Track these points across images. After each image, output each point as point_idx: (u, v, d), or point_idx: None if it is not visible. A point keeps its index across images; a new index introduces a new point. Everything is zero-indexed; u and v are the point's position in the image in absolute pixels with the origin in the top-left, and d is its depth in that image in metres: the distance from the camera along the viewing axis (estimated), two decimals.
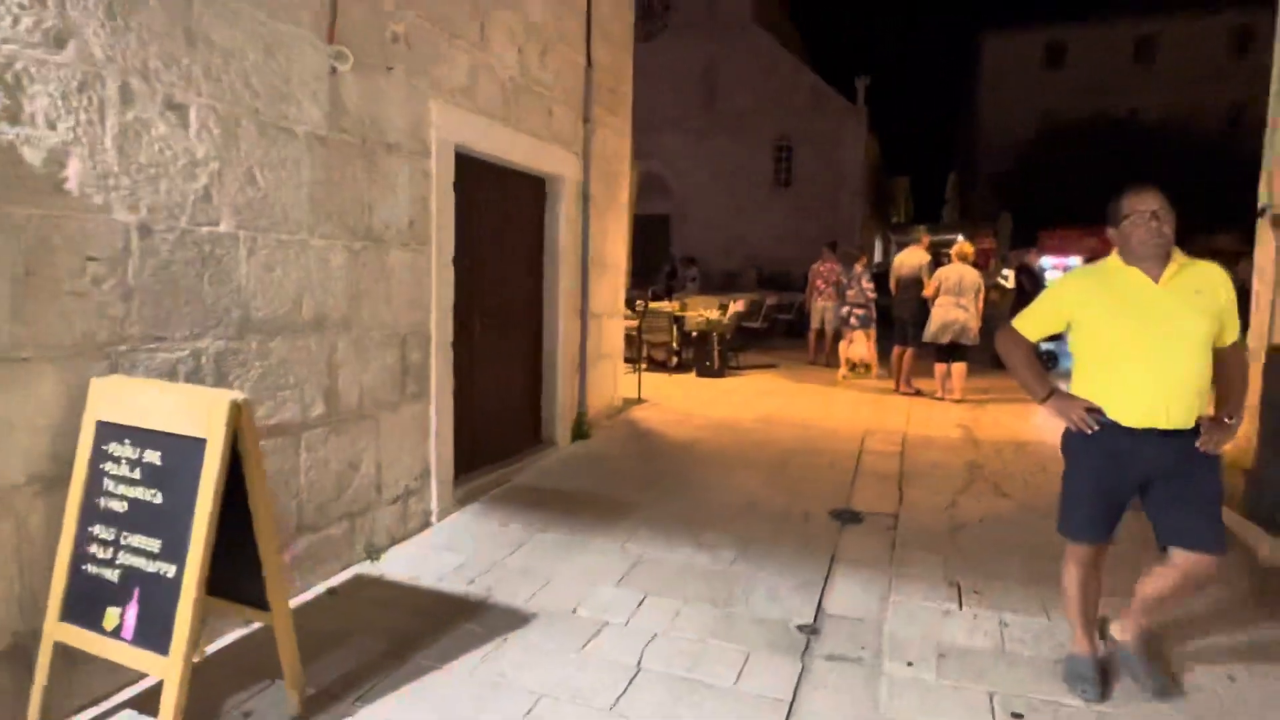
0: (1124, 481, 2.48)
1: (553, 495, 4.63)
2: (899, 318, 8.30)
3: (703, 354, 9.04)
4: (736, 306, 9.60)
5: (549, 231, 5.48)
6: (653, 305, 9.14)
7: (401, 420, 3.85)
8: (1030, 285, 10.76)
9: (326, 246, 3.29)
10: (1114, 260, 2.57)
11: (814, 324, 10.99)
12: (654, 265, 31.25)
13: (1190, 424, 2.39)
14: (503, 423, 5.10)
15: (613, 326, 6.56)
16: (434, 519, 4.13)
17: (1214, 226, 29.51)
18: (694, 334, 9.16)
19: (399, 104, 3.70)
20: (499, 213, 4.94)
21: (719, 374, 9.03)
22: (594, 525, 4.10)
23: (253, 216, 2.92)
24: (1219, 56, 33.05)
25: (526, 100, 4.89)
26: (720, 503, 4.52)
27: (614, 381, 6.66)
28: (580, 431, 5.85)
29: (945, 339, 7.58)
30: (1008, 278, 29.27)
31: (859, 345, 10.96)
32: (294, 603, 2.89)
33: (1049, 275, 24.46)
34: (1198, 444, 2.38)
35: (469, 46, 4.21)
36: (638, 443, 5.90)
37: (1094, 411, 2.48)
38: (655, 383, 8.55)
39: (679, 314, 9.73)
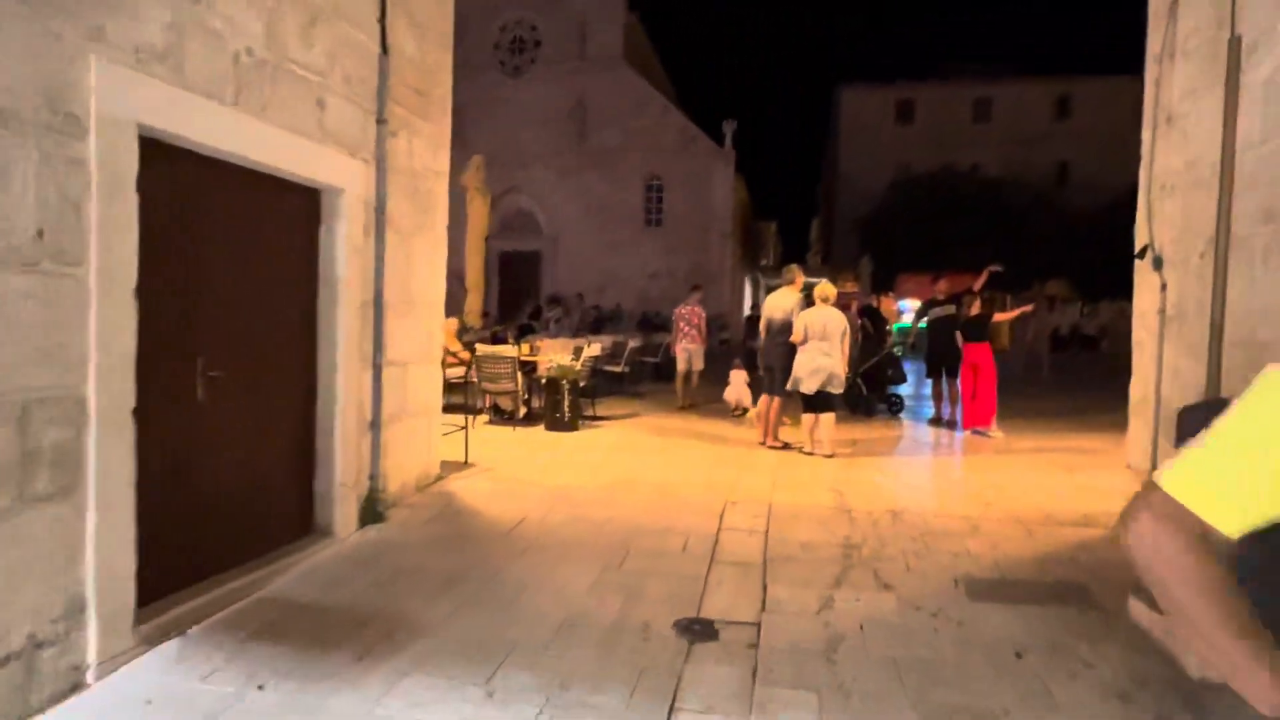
0: None
1: (304, 615, 3.35)
2: (768, 366, 7.60)
3: (553, 404, 7.94)
4: (591, 350, 8.61)
5: (324, 258, 4.25)
6: (492, 349, 7.97)
7: (21, 534, 2.49)
8: (874, 328, 10.36)
9: None
10: None
11: (680, 367, 10.36)
12: (523, 304, 30.02)
13: None
14: (248, 512, 3.76)
15: (424, 377, 5.35)
16: (90, 676, 2.75)
17: (1047, 274, 32.06)
18: (544, 381, 8.07)
19: (17, 54, 2.43)
20: (244, 230, 3.68)
21: (571, 427, 7.95)
22: (345, 668, 2.87)
23: None
24: (1045, 119, 36.32)
25: (282, 84, 3.70)
26: (536, 615, 3.41)
27: (428, 445, 5.43)
28: (372, 513, 4.58)
29: (811, 388, 6.92)
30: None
31: (735, 386, 10.46)
32: None
33: (906, 315, 25.44)
34: None
35: None
36: (447, 525, 4.69)
37: None
38: (493, 440, 7.36)
39: (527, 359, 8.61)
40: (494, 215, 31.75)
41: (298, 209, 4.08)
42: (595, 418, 8.87)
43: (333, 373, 4.26)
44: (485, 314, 17.73)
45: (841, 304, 9.70)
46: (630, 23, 30.59)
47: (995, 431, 8.33)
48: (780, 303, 7.57)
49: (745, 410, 9.75)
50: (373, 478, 4.63)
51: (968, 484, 5.90)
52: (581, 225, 30.25)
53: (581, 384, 8.50)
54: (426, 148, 5.20)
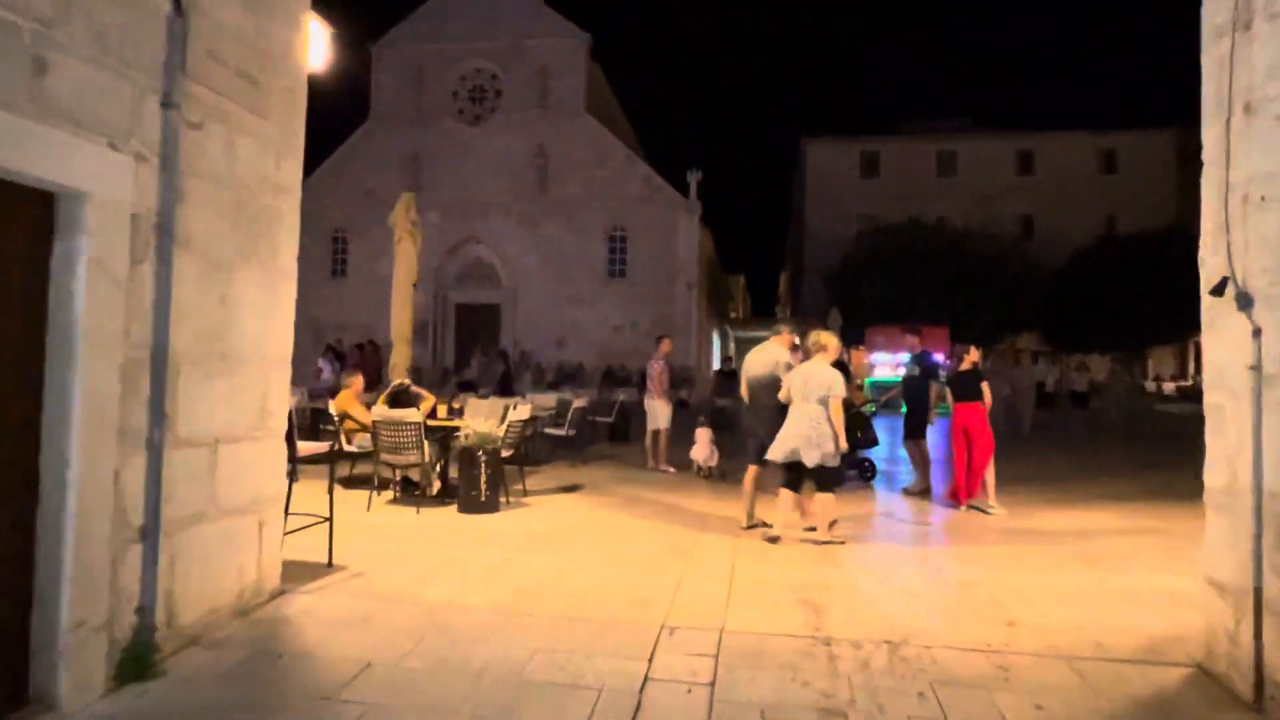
0: None
1: None
2: (750, 430, 6.37)
3: (468, 481, 6.52)
4: (519, 414, 7.23)
5: (56, 293, 2.89)
6: (391, 414, 6.56)
7: None
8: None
9: None
10: None
11: (649, 424, 9.59)
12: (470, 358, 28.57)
13: None
14: None
15: (254, 459, 3.95)
16: None
17: (1016, 327, 31.57)
18: (459, 452, 6.67)
19: None
20: None
21: (489, 508, 6.53)
22: None
23: None
24: (1008, 173, 36.48)
25: None
26: None
27: (257, 551, 3.98)
28: (136, 666, 3.12)
29: (777, 456, 5.68)
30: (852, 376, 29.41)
31: (700, 445, 9.32)
32: None
33: (878, 371, 24.46)
34: None
35: None
36: (254, 680, 3.23)
37: None
38: (385, 528, 5.91)
39: (443, 424, 7.21)
40: (452, 265, 30.61)
41: (8, 219, 2.74)
42: (526, 493, 7.45)
43: (63, 457, 2.86)
44: (413, 370, 16.33)
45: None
46: (593, 72, 30.18)
47: (995, 507, 7.08)
48: (763, 357, 6.33)
49: (711, 470, 9.13)
50: (142, 610, 3.18)
51: (980, 590, 4.59)
52: (542, 276, 29.16)
53: (507, 453, 7.12)
54: (260, 153, 3.91)
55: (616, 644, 3.58)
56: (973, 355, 7.90)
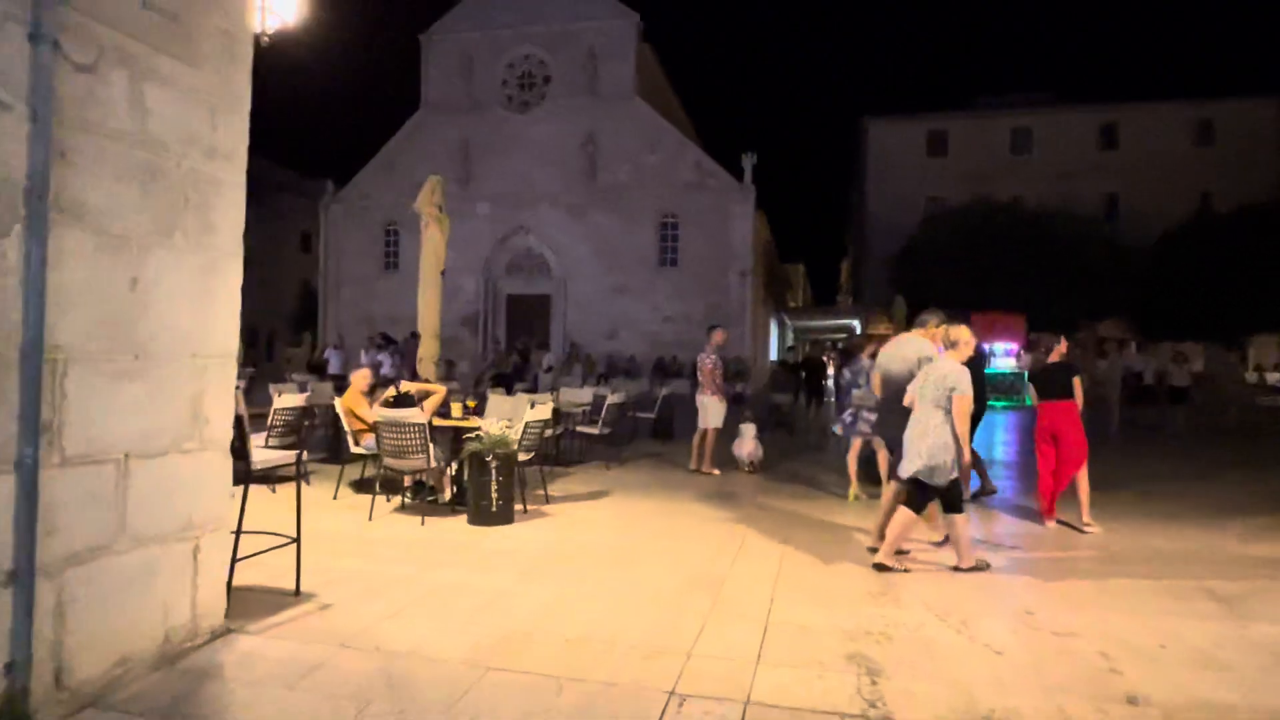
0: None
1: None
2: (888, 438, 5.60)
3: (478, 489, 5.84)
4: (538, 413, 6.50)
5: None
6: (392, 414, 5.91)
7: None
8: (850, 379, 7.74)
9: None
10: None
11: (700, 422, 8.71)
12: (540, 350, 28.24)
13: None
14: None
15: (187, 473, 3.31)
16: None
17: (1099, 314, 29.32)
18: (467, 457, 5.99)
19: None
20: None
21: (502, 518, 5.84)
22: None
23: None
24: (1089, 150, 34.00)
25: None
26: None
27: (188, 586, 3.34)
28: None
29: (906, 471, 4.87)
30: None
31: (744, 440, 8.97)
32: None
33: (1000, 361, 22.76)
34: None
35: None
36: None
37: None
38: (380, 541, 5.28)
39: (454, 426, 6.56)
40: (502, 256, 30.27)
41: None
42: (549, 500, 6.74)
43: None
44: (449, 363, 15.78)
45: (872, 349, 7.61)
46: (643, 55, 29.28)
47: (1091, 525, 6.02)
48: (902, 353, 5.43)
49: (755, 465, 8.87)
50: (11, 669, 2.56)
51: (1083, 645, 3.63)
52: (592, 266, 28.53)
53: (525, 457, 6.42)
54: (184, 107, 3.25)
55: (613, 715, 2.80)
56: (1062, 347, 6.82)
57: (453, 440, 6.41)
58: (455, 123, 29.50)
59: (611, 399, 8.82)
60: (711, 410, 8.64)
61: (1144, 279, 28.90)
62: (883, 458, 7.23)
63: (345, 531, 5.57)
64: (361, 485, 7.12)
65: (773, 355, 39.14)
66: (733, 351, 26.88)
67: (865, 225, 36.34)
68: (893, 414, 5.29)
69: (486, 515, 5.83)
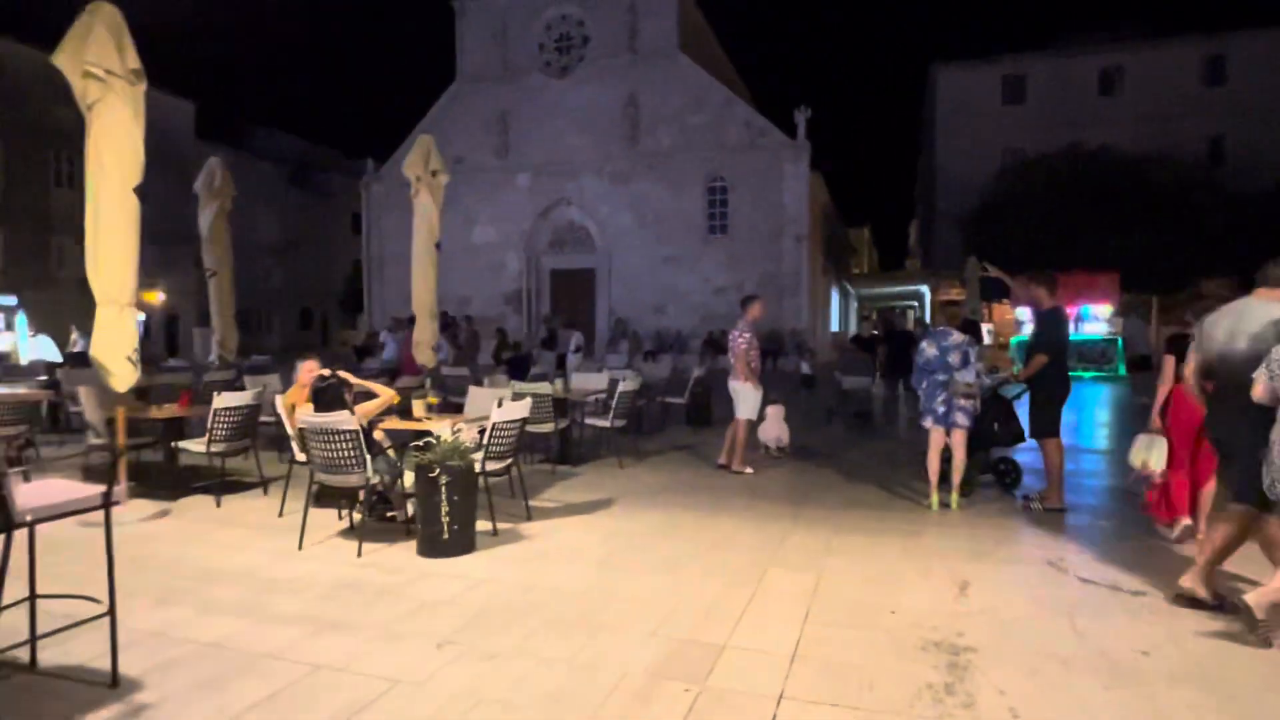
0: None
1: None
2: (1224, 444, 3.99)
3: (428, 511, 4.62)
4: (508, 411, 5.20)
5: None
6: (322, 419, 4.71)
7: None
8: (935, 357, 5.89)
9: None
10: None
11: (736, 411, 7.33)
12: (583, 329, 27.16)
13: None
14: None
15: None
16: None
17: (1205, 270, 26.18)
18: (414, 471, 4.77)
19: None
20: None
21: (456, 547, 4.61)
22: None
23: None
24: (1190, 86, 30.40)
25: None
26: None
27: None
28: None
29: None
30: (994, 334, 25.36)
31: (772, 422, 8.10)
32: None
33: (1029, 330, 20.62)
34: None
35: None
36: None
37: None
38: (282, 585, 4.11)
39: (409, 430, 5.35)
40: (543, 230, 29.11)
41: None
42: (530, 516, 5.49)
43: None
44: (500, 332, 14.62)
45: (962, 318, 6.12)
46: (686, 6, 27.39)
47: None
48: (1242, 323, 3.80)
49: (782, 450, 7.98)
50: None
51: None
52: (637, 237, 27.11)
53: (496, 466, 5.17)
54: None
55: None
56: (1200, 308, 5.11)
57: (402, 449, 5.21)
58: (492, 93, 28.36)
59: (624, 386, 7.48)
60: (744, 398, 7.23)
61: (1257, 230, 25.60)
62: (959, 462, 5.71)
63: (253, 567, 4.44)
64: (322, 498, 6.01)
65: (834, 326, 37.02)
66: (789, 323, 25.14)
67: (935, 182, 33.64)
68: (1228, 410, 3.77)
69: (437, 545, 4.61)
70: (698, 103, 26.32)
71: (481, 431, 5.21)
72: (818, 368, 17.22)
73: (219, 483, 6.26)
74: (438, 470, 4.54)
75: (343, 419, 4.66)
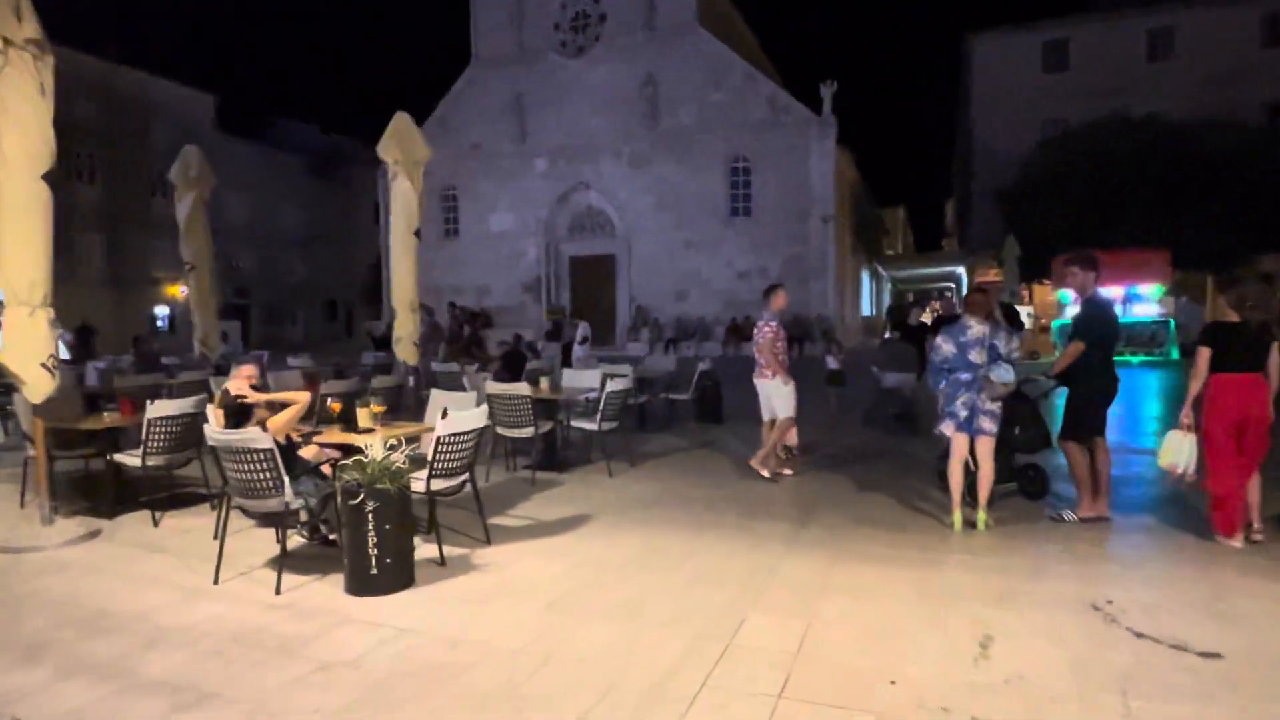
0: None
1: None
2: None
3: (355, 542, 3.98)
4: (455, 422, 4.53)
5: None
6: (227, 436, 4.09)
7: None
8: (954, 354, 4.98)
9: None
10: None
11: (764, 412, 6.61)
12: (604, 317, 26.48)
13: None
14: None
15: None
16: None
17: (1257, 246, 24.41)
18: (339, 495, 4.13)
19: None
20: None
21: (387, 584, 3.97)
22: None
23: None
24: (1249, 47, 28.41)
25: None
26: None
27: None
28: None
29: None
30: (1035, 318, 23.90)
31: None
32: None
33: (1071, 311, 19.41)
34: None
35: None
36: None
37: None
38: (157, 641, 3.47)
39: (333, 442, 4.71)
40: (562, 215, 28.41)
41: None
42: (489, 540, 4.84)
43: None
44: (470, 339, 13.90)
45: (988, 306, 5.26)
46: None
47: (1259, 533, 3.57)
48: None
49: (791, 451, 6.87)
50: None
51: None
52: (657, 221, 26.29)
53: (442, 485, 4.52)
54: None
55: None
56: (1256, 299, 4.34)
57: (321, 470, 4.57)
58: (507, 75, 27.68)
59: (612, 385, 6.76)
60: (778, 395, 6.42)
61: None
62: (985, 476, 4.91)
63: (151, 610, 3.84)
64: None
65: (866, 311, 35.79)
66: (815, 308, 24.09)
67: (972, 157, 32.12)
68: None
69: (364, 581, 3.98)
70: (718, 79, 25.31)
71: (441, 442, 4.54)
72: (847, 361, 15.06)
73: (166, 497, 5.75)
74: (361, 496, 3.89)
75: (254, 436, 4.02)
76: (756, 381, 6.54)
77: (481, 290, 28.41)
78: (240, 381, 5.02)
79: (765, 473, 6.48)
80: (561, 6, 27.39)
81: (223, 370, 11.38)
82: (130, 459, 5.54)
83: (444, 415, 4.44)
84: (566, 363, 11.88)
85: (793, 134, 24.43)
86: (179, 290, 30.19)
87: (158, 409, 5.40)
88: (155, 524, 5.43)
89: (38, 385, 4.91)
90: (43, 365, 4.92)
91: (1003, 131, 30.01)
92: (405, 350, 8.33)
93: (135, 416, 5.90)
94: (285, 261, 37.53)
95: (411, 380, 8.52)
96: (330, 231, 40.67)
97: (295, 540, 4.77)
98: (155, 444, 5.42)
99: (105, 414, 5.97)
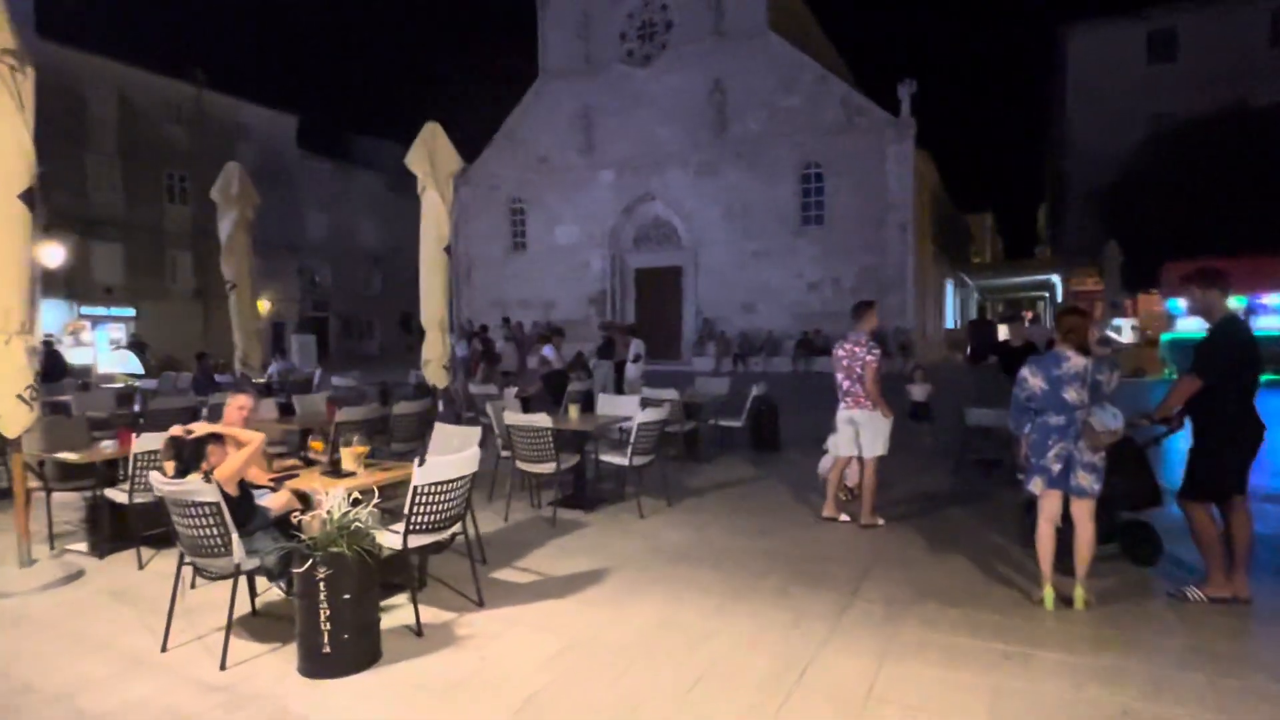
0: None
1: None
2: None
3: (307, 613, 3.41)
4: (433, 473, 3.89)
5: None
6: (174, 488, 3.58)
7: None
8: (1045, 390, 4.02)
9: None
10: None
11: (841, 449, 5.83)
12: (669, 330, 25.85)
13: None
14: None
15: None
16: None
17: None
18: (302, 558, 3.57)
19: None
20: None
21: (346, 664, 3.38)
22: None
23: None
24: None
25: None
26: None
27: None
28: None
29: None
30: (1119, 330, 22.01)
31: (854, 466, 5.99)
32: None
33: (1182, 324, 17.45)
34: None
35: None
36: None
37: None
38: None
39: (299, 489, 4.15)
40: (628, 227, 27.93)
41: None
42: (481, 601, 4.20)
43: None
44: (486, 358, 13.38)
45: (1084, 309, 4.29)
46: None
47: None
48: None
49: (850, 493, 6.12)
50: None
51: None
52: (725, 231, 25.46)
53: (426, 540, 3.91)
54: None
55: None
56: None
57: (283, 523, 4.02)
58: (574, 87, 27.48)
59: (642, 417, 6.04)
60: (877, 430, 5.56)
61: None
62: (1085, 542, 3.97)
63: (77, 688, 3.35)
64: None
65: (949, 323, 33.80)
66: (891, 321, 22.61)
67: (1067, 159, 29.90)
68: None
69: (316, 660, 3.39)
70: (789, 83, 24.33)
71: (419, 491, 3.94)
72: (933, 392, 11.01)
73: (163, 533, 5.38)
74: (310, 562, 3.31)
75: (195, 488, 3.50)
76: (847, 411, 5.68)
77: (548, 304, 28.22)
78: (232, 412, 4.59)
79: (880, 520, 5.66)
80: (628, 16, 27.01)
81: (272, 389, 11.26)
82: (120, 495, 5.20)
83: (420, 463, 3.82)
84: (619, 382, 11.26)
85: (868, 137, 23.19)
86: (262, 304, 31.28)
87: (143, 443, 5.02)
88: (140, 566, 5.04)
89: (14, 418, 4.59)
90: (19, 396, 4.59)
91: (1101, 128, 27.77)
92: (434, 373, 7.85)
93: (126, 449, 5.57)
94: (362, 275, 38.50)
95: (441, 406, 8.04)
96: (406, 245, 41.51)
97: (272, 594, 4.26)
98: (142, 479, 5.04)
99: (103, 444, 5.67)
